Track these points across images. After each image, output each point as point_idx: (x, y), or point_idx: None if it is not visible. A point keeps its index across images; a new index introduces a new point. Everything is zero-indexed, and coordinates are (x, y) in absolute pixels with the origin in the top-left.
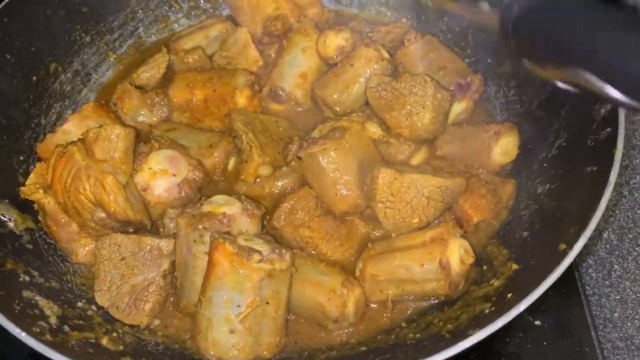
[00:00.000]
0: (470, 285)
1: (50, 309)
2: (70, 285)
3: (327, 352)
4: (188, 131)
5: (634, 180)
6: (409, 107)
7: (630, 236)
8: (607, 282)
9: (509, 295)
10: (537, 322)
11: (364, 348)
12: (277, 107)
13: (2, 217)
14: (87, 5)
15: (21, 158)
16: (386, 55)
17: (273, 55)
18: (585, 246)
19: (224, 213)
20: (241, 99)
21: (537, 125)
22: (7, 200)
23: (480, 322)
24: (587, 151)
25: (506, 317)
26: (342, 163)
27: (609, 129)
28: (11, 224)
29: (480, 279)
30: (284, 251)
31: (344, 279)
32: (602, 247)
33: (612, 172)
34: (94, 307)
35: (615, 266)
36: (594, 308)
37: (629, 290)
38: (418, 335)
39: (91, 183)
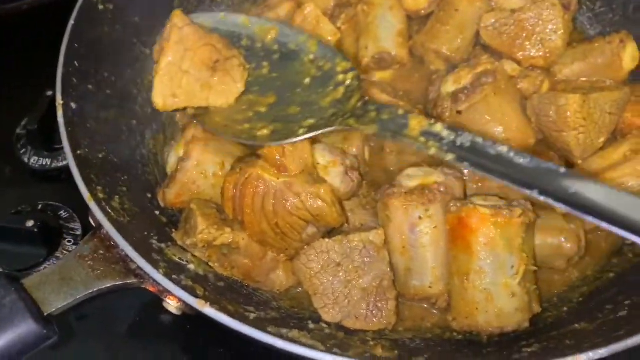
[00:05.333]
0: None
1: (304, 337)
2: (283, 312)
3: (575, 290)
4: None
5: None
6: (540, 35)
7: None
8: None
9: None
10: None
11: (611, 275)
12: (381, 74)
13: (181, 261)
14: (138, 15)
15: (149, 195)
16: None
17: (344, 27)
18: None
19: (436, 182)
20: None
21: None
22: (170, 243)
23: None
24: None
25: None
26: (504, 105)
27: None
28: (192, 266)
29: None
30: (521, 201)
31: (562, 215)
32: None
33: None
34: (324, 325)
35: None
36: None
37: None
38: None
39: (304, 199)
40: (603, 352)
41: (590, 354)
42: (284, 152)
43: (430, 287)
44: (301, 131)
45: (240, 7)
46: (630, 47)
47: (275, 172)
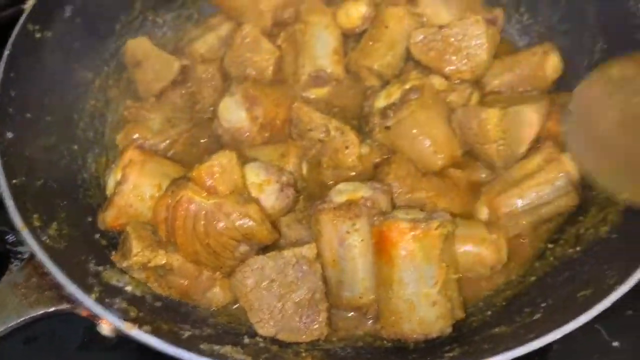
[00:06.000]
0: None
1: (237, 352)
2: (220, 328)
3: (500, 295)
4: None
5: None
6: (466, 49)
7: None
8: None
9: None
10: (615, 344)
11: (533, 278)
12: (318, 91)
13: (118, 283)
14: (78, 40)
15: (89, 219)
16: (413, 9)
17: (283, 45)
18: None
19: (363, 197)
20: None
21: (567, 39)
22: (108, 266)
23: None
24: (636, 45)
25: None
26: (431, 120)
27: None
28: (129, 288)
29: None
30: (441, 213)
31: (484, 224)
32: None
33: None
34: (259, 339)
35: None
36: None
37: None
38: (579, 248)
39: (233, 219)
40: (509, 355)
41: (499, 357)
42: (214, 175)
43: (360, 297)
44: None
45: (182, 28)
46: (553, 57)
47: (206, 194)
